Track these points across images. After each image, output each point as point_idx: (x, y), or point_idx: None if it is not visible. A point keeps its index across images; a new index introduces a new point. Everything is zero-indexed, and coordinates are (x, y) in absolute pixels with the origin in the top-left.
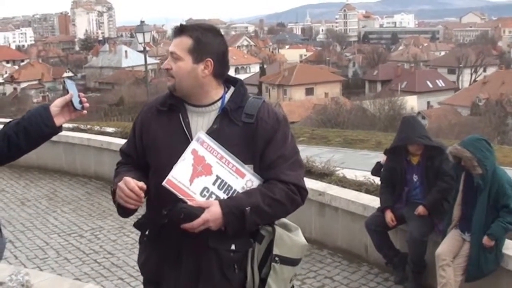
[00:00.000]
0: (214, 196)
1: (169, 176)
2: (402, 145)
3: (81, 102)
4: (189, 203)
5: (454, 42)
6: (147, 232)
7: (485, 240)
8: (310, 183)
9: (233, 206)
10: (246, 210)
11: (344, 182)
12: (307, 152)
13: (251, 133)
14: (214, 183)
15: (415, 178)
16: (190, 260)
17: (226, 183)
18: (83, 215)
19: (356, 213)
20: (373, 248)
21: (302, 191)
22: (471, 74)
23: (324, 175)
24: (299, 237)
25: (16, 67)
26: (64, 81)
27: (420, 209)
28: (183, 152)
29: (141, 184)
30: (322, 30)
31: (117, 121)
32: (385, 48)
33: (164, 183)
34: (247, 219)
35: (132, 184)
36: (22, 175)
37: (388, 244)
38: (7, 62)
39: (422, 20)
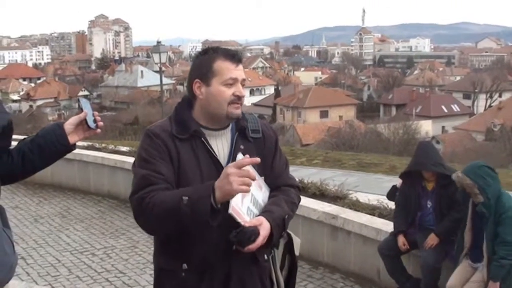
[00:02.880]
0: (252, 213)
1: (233, 204)
2: (416, 170)
3: (95, 120)
4: (243, 224)
5: (470, 67)
6: (184, 266)
7: (490, 285)
8: (323, 206)
9: (276, 218)
10: (286, 219)
11: (357, 206)
12: (321, 175)
13: (262, 147)
14: (250, 201)
15: (428, 204)
16: (238, 277)
17: (255, 198)
18: (96, 233)
19: (368, 237)
20: (386, 272)
21: (298, 190)
22: (486, 99)
23: (337, 198)
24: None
25: (33, 84)
26: (78, 100)
27: (430, 240)
28: (213, 175)
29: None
30: (338, 53)
31: (131, 140)
32: (400, 72)
33: (230, 211)
34: (286, 227)
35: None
36: (36, 192)
37: (400, 269)
38: (24, 79)
39: (438, 45)
